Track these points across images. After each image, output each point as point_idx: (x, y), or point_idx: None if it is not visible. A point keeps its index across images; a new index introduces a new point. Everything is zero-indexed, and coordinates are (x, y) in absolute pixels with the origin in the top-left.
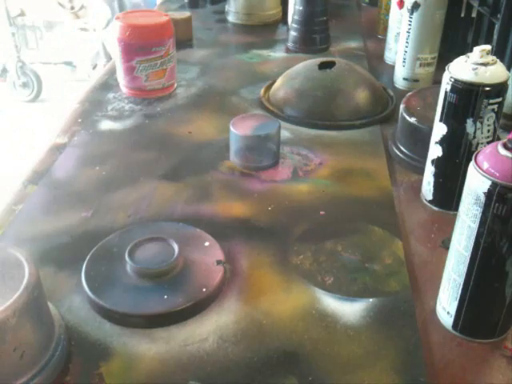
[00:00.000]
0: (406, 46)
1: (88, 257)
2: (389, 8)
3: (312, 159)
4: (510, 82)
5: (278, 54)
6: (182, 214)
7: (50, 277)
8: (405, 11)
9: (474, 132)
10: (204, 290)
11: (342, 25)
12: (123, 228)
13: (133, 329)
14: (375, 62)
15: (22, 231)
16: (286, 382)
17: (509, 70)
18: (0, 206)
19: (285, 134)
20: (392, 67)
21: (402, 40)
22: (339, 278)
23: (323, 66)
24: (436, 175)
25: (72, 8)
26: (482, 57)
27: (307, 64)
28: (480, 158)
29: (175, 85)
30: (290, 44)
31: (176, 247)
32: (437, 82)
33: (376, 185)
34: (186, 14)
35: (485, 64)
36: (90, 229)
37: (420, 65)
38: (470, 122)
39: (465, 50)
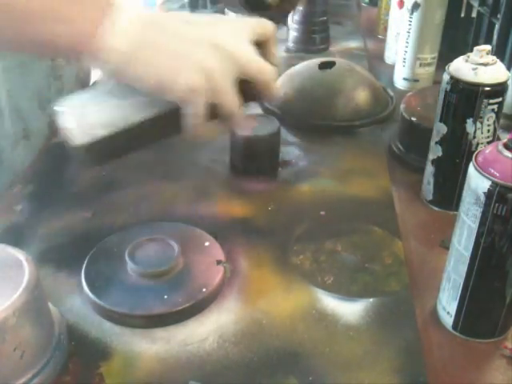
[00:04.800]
0: (406, 46)
1: (88, 257)
2: (389, 8)
3: (312, 159)
4: (510, 82)
5: (278, 54)
6: (182, 214)
7: (50, 277)
8: (405, 11)
9: (474, 132)
10: (204, 290)
11: (342, 25)
12: (123, 228)
13: (133, 329)
14: (375, 61)
15: (22, 231)
16: (285, 381)
17: (509, 69)
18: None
19: (285, 134)
20: (392, 67)
21: (402, 40)
22: (339, 277)
23: (323, 65)
24: (436, 175)
25: None
26: (482, 57)
27: (307, 64)
28: (480, 157)
29: None
30: (289, 44)
31: (176, 247)
32: (437, 82)
33: (376, 185)
34: None
35: (485, 64)
36: (90, 229)
37: (420, 65)
38: (470, 122)
39: (465, 50)
